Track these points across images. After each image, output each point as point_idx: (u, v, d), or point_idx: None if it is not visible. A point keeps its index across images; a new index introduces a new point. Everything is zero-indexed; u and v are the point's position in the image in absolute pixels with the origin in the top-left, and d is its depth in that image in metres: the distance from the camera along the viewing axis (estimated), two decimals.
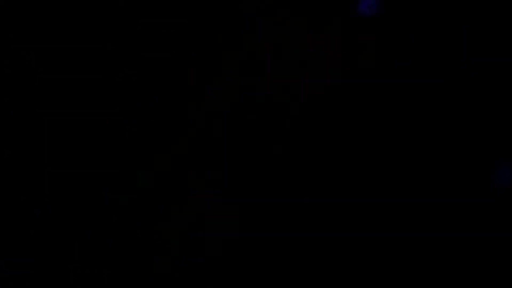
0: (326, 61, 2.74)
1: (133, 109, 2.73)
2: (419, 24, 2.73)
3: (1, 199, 2.67)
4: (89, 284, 2.64)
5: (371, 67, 2.73)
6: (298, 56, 2.75)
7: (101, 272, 2.64)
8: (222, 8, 2.77)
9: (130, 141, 2.72)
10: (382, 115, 2.72)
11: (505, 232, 2.64)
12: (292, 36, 2.75)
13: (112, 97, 2.73)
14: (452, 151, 2.71)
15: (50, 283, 2.63)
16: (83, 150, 2.70)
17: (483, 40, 2.72)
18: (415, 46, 2.74)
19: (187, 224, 2.66)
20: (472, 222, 2.66)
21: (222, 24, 2.76)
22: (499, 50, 2.72)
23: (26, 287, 2.62)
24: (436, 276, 2.65)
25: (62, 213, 2.66)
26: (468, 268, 2.64)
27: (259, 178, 2.67)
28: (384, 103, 2.72)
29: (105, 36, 2.75)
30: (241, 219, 2.65)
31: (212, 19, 2.76)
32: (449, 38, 2.73)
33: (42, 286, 2.63)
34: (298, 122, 2.72)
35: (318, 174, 2.69)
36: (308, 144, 2.71)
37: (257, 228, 2.64)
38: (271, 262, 2.65)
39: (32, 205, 2.66)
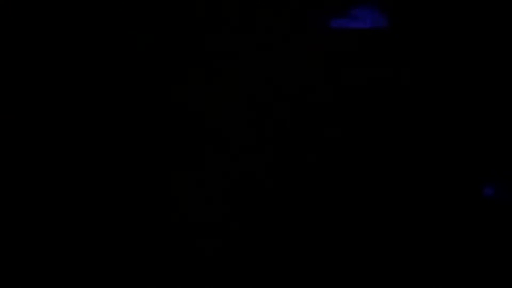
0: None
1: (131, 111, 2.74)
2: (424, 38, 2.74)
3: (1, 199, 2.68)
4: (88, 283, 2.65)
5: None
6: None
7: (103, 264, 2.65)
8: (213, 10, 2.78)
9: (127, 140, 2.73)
10: (374, 120, 2.73)
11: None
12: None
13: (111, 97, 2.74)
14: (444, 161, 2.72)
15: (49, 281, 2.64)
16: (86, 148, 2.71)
17: (482, 49, 2.74)
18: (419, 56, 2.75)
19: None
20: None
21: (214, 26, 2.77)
22: (497, 61, 2.73)
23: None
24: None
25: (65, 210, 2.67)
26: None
27: None
28: (376, 109, 2.73)
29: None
30: None
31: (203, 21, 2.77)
32: (450, 48, 2.75)
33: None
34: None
35: None
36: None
37: None
38: None
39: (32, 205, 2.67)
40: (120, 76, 2.75)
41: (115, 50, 2.75)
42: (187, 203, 2.71)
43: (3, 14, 2.74)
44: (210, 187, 2.71)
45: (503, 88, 2.73)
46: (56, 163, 2.70)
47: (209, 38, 2.76)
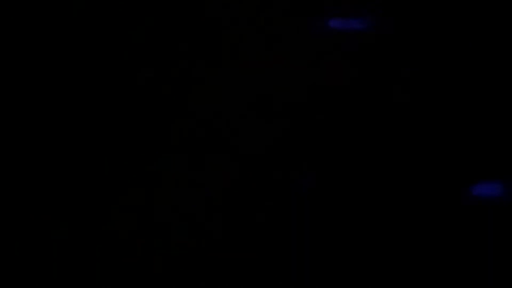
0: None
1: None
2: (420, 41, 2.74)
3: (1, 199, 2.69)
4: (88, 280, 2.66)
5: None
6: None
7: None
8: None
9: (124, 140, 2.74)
10: (375, 120, 2.74)
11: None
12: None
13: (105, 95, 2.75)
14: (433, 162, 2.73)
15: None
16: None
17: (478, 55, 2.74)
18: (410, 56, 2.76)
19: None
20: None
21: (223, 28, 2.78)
22: (497, 60, 2.73)
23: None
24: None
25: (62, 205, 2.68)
26: None
27: None
28: (376, 108, 2.74)
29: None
30: None
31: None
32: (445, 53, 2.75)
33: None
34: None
35: None
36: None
37: None
38: None
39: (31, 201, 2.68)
40: (120, 75, 2.76)
41: (115, 48, 2.76)
42: (185, 203, 2.72)
43: (3, 14, 2.75)
44: (209, 187, 2.73)
45: (503, 89, 2.74)
46: (62, 161, 2.71)
47: (209, 38, 2.77)
